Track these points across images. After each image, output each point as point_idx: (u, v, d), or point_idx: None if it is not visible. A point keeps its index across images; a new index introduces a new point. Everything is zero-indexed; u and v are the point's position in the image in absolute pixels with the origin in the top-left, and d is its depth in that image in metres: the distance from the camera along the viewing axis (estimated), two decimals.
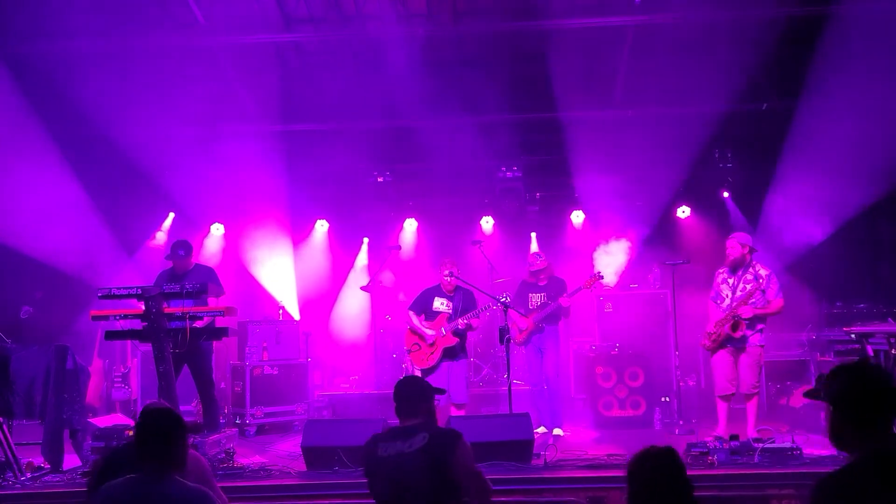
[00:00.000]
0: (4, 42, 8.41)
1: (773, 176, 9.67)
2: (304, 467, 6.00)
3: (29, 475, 5.92)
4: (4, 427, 5.99)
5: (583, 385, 8.86)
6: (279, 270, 10.58)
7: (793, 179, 9.33)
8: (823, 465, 5.33)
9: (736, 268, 6.79)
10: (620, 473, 3.19)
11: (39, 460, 6.20)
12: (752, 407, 6.73)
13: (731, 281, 6.80)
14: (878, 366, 3.04)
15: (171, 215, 10.75)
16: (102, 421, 7.28)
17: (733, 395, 6.77)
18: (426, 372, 7.16)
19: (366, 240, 11.22)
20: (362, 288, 10.13)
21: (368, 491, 3.74)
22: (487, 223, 10.96)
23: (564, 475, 5.62)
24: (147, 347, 7.98)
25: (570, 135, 9.82)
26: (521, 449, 5.88)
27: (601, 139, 9.61)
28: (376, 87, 9.35)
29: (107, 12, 8.12)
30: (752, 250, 6.80)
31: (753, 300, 6.61)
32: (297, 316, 10.13)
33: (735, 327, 6.57)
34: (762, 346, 6.72)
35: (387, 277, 10.53)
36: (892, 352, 6.16)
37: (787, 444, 5.74)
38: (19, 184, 8.59)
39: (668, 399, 8.27)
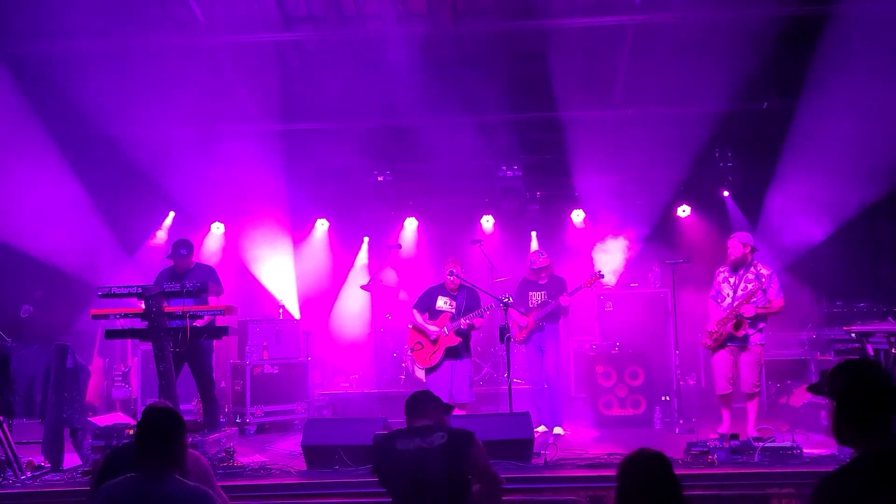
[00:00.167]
0: (4, 42, 8.41)
1: (773, 175, 9.67)
2: (304, 466, 6.00)
3: (29, 474, 5.93)
4: (5, 426, 6.00)
5: (583, 384, 8.86)
6: (279, 269, 10.58)
7: (793, 179, 9.33)
8: (823, 465, 5.33)
9: (737, 267, 6.80)
10: None
11: (40, 459, 6.21)
12: (752, 406, 6.74)
13: (732, 280, 6.81)
14: (879, 364, 3.05)
15: (172, 214, 10.76)
16: (102, 420, 7.28)
17: (731, 394, 6.79)
18: (428, 371, 7.16)
19: (366, 239, 11.23)
20: (363, 287, 10.14)
21: (381, 486, 3.83)
22: (488, 222, 10.96)
23: (564, 474, 5.63)
24: (147, 346, 7.97)
25: (571, 134, 9.82)
26: (521, 448, 5.88)
27: (601, 138, 9.61)
28: (376, 86, 9.34)
29: (107, 12, 8.12)
30: (753, 250, 6.82)
31: (755, 299, 6.62)
32: (297, 315, 10.13)
33: (737, 326, 6.59)
34: (762, 345, 6.75)
35: (390, 276, 10.53)
36: (893, 351, 6.16)
37: (788, 444, 5.75)
38: (20, 183, 8.59)
39: (668, 398, 8.28)
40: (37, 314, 7.74)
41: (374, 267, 10.72)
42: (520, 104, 9.89)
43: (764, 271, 6.70)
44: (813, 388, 2.66)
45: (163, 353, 6.09)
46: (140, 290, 6.06)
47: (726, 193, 10.43)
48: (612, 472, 5.50)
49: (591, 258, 9.46)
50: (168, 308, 6.21)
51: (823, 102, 8.48)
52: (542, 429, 7.51)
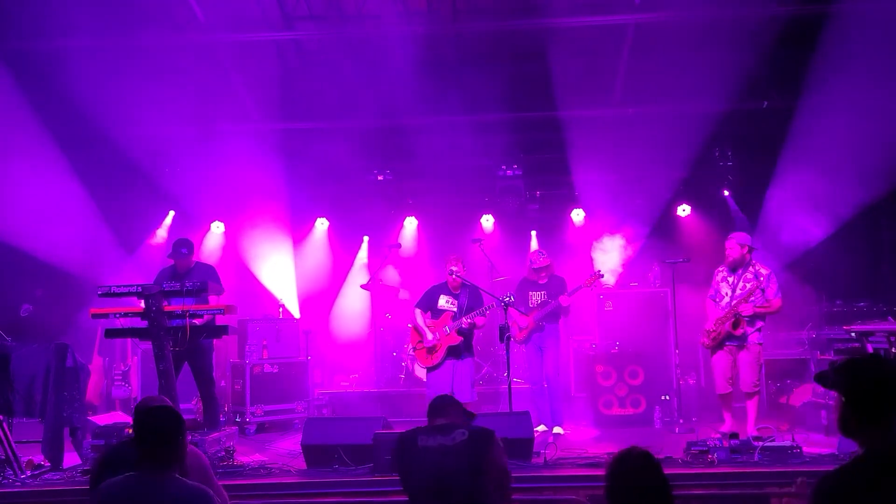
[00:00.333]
0: (5, 40, 8.41)
1: (773, 174, 9.66)
2: (303, 465, 6.01)
3: (29, 473, 5.93)
4: (4, 425, 6.00)
5: (583, 383, 8.86)
6: (279, 268, 10.58)
7: (793, 178, 9.32)
8: (823, 464, 5.34)
9: (736, 267, 6.81)
10: None
11: (39, 458, 6.21)
12: (752, 405, 6.75)
13: (730, 279, 6.82)
14: (890, 362, 3.05)
15: (171, 213, 10.75)
16: (102, 419, 7.27)
17: (731, 393, 6.80)
18: (430, 370, 7.14)
19: (366, 238, 11.22)
20: (363, 286, 10.14)
21: (400, 484, 3.85)
22: (487, 221, 10.96)
23: (564, 473, 5.62)
24: (147, 345, 7.98)
25: (571, 133, 9.82)
26: (521, 447, 5.88)
27: (601, 138, 9.61)
28: (376, 85, 9.33)
29: (107, 10, 8.11)
30: (751, 249, 6.83)
31: (753, 298, 6.62)
32: (297, 314, 10.13)
33: (736, 325, 6.60)
34: (761, 345, 6.75)
35: (391, 274, 10.53)
36: (893, 350, 6.17)
37: (787, 443, 5.75)
38: (19, 182, 8.60)
39: (668, 397, 8.27)
40: (37, 313, 7.73)
41: (373, 266, 10.71)
42: (519, 103, 9.88)
43: (763, 271, 6.71)
44: (819, 377, 2.66)
45: (162, 352, 6.09)
46: (140, 290, 6.06)
47: (726, 192, 10.42)
48: None
49: (591, 257, 9.46)
50: (168, 307, 6.20)
51: (823, 102, 8.50)
52: (541, 428, 7.50)
